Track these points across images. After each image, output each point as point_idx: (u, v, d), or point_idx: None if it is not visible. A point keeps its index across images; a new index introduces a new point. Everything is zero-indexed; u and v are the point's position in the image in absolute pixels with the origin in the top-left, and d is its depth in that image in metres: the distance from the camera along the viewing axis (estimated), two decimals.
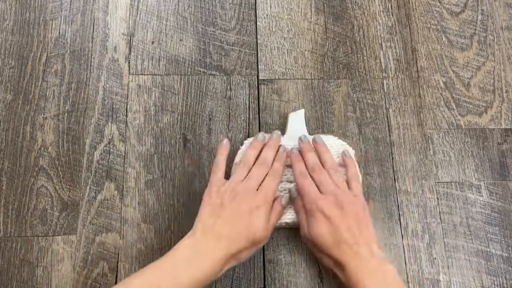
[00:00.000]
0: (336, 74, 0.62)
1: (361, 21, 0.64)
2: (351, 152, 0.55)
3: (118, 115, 0.59)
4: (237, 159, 0.54)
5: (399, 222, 0.56)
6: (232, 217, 0.46)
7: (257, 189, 0.48)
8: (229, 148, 0.53)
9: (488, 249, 0.55)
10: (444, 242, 0.55)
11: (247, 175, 0.50)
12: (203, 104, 0.60)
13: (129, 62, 0.61)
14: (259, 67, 0.61)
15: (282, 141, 0.55)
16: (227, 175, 0.51)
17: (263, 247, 0.54)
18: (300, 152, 0.53)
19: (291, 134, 0.56)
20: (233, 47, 0.62)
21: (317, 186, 0.49)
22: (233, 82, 0.61)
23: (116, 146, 0.57)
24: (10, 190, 0.55)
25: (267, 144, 0.53)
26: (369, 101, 0.61)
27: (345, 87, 0.61)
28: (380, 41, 0.63)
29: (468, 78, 0.63)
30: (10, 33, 0.61)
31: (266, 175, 0.50)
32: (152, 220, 0.55)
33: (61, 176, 0.56)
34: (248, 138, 0.56)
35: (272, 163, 0.51)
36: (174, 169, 0.57)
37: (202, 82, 0.60)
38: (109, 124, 0.58)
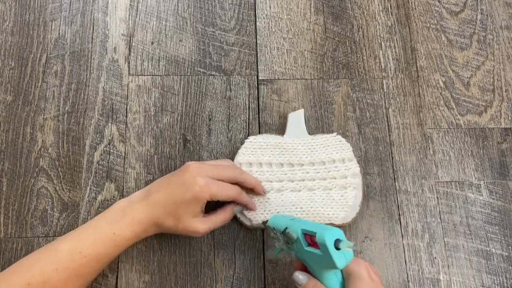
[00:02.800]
0: (335, 74, 0.62)
1: (360, 21, 0.64)
2: (348, 148, 0.55)
3: (118, 115, 0.59)
4: (237, 159, 0.54)
5: (399, 222, 0.56)
6: (171, 185, 0.47)
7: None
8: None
9: (488, 248, 0.55)
10: (444, 241, 0.55)
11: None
12: (203, 105, 0.60)
13: (129, 63, 0.61)
14: (259, 67, 0.61)
15: (282, 140, 0.55)
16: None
17: (264, 247, 0.54)
18: None
19: (290, 134, 0.56)
20: (233, 48, 0.62)
21: None
22: (233, 83, 0.61)
23: (116, 147, 0.57)
24: (11, 191, 0.55)
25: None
26: (368, 100, 0.61)
27: (345, 87, 0.61)
28: (379, 41, 0.63)
29: (467, 77, 0.63)
30: (10, 34, 0.61)
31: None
32: None
33: (61, 177, 0.56)
34: (248, 137, 0.56)
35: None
36: (174, 169, 0.57)
37: (202, 83, 0.60)
38: (109, 124, 0.58)
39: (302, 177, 0.54)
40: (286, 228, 0.44)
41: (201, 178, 0.46)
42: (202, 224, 0.47)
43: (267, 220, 0.50)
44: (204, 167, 0.47)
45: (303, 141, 0.56)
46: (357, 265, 0.41)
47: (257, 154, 0.55)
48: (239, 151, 0.55)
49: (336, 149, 0.55)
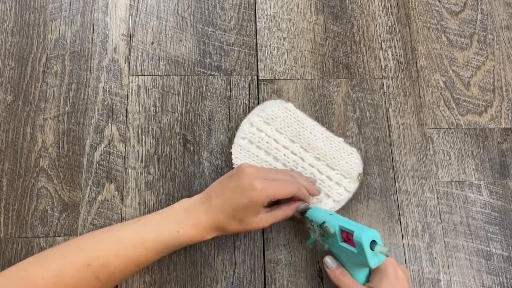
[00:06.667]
0: (335, 74, 0.62)
1: (360, 21, 0.64)
2: (359, 163, 0.55)
3: (118, 115, 0.59)
4: (238, 137, 0.55)
5: (399, 222, 0.56)
6: (229, 191, 0.46)
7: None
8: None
9: (488, 249, 0.55)
10: (445, 241, 0.55)
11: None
12: (203, 105, 0.60)
13: (129, 63, 0.61)
14: (259, 67, 0.61)
15: (305, 120, 0.56)
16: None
17: (264, 247, 0.54)
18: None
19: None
20: (233, 47, 0.62)
21: None
22: (233, 83, 0.61)
23: (116, 147, 0.57)
24: (11, 191, 0.55)
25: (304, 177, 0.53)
26: (369, 100, 0.61)
27: (345, 87, 0.61)
28: (379, 41, 0.63)
29: (468, 77, 0.63)
30: (10, 34, 0.61)
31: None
32: None
33: (62, 177, 0.56)
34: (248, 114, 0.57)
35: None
36: (174, 169, 0.57)
37: (202, 83, 0.60)
38: (109, 125, 0.58)
39: (296, 162, 0.55)
40: (324, 222, 0.46)
41: (259, 181, 0.45)
42: (264, 220, 0.47)
43: (305, 211, 0.51)
44: (260, 169, 0.48)
45: (322, 134, 0.55)
46: (384, 262, 0.43)
47: (277, 121, 0.56)
48: (238, 131, 0.55)
49: (340, 165, 0.54)
